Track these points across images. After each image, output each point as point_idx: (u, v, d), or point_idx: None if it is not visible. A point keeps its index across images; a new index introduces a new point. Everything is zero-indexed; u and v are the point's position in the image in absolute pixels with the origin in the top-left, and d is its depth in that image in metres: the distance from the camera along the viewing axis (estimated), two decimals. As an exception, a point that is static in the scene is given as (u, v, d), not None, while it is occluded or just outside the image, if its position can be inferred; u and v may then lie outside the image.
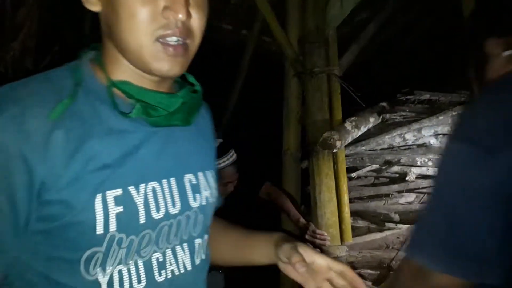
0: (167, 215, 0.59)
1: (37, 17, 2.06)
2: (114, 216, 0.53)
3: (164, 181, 0.60)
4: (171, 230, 0.60)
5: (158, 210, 0.58)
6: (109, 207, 0.53)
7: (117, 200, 0.54)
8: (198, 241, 0.65)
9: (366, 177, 2.14)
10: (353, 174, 2.03)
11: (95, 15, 0.59)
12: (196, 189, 0.64)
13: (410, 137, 2.05)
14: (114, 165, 0.54)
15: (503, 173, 0.47)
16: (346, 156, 1.95)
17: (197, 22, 0.57)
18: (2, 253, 0.51)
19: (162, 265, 0.59)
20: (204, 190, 0.66)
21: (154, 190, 0.58)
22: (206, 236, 0.67)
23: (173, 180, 0.61)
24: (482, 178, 0.49)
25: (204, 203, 0.65)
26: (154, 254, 0.58)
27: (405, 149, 2.12)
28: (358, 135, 1.88)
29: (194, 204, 0.64)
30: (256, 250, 0.73)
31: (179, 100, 0.60)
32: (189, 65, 0.59)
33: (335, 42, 1.97)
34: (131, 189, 0.56)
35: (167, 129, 0.61)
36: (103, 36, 0.59)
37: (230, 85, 2.82)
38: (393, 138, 1.93)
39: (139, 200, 0.56)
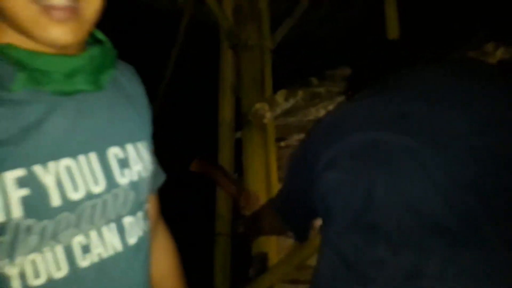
0: (90, 195, 0.53)
1: None
2: (18, 201, 0.47)
3: (81, 157, 0.53)
4: (95, 211, 0.54)
5: (76, 189, 0.52)
6: (8, 191, 0.47)
7: (20, 182, 0.47)
8: (128, 219, 0.59)
9: (293, 146, 2.29)
10: (282, 143, 2.17)
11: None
12: (124, 163, 0.58)
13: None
14: (12, 142, 0.47)
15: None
16: (275, 126, 2.08)
17: None
18: None
19: (86, 249, 0.53)
20: (135, 164, 0.59)
21: (68, 168, 0.52)
22: (140, 213, 0.62)
23: (93, 155, 0.55)
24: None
25: (135, 178, 0.59)
26: (75, 237, 0.52)
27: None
28: (287, 107, 2.00)
29: (122, 181, 0.57)
30: None
31: (75, 60, 0.52)
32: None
33: (268, 14, 2.03)
34: (37, 168, 0.49)
35: (80, 97, 0.54)
36: None
37: (166, 54, 2.78)
38: (318, 110, 2.08)
39: (49, 180, 0.50)
